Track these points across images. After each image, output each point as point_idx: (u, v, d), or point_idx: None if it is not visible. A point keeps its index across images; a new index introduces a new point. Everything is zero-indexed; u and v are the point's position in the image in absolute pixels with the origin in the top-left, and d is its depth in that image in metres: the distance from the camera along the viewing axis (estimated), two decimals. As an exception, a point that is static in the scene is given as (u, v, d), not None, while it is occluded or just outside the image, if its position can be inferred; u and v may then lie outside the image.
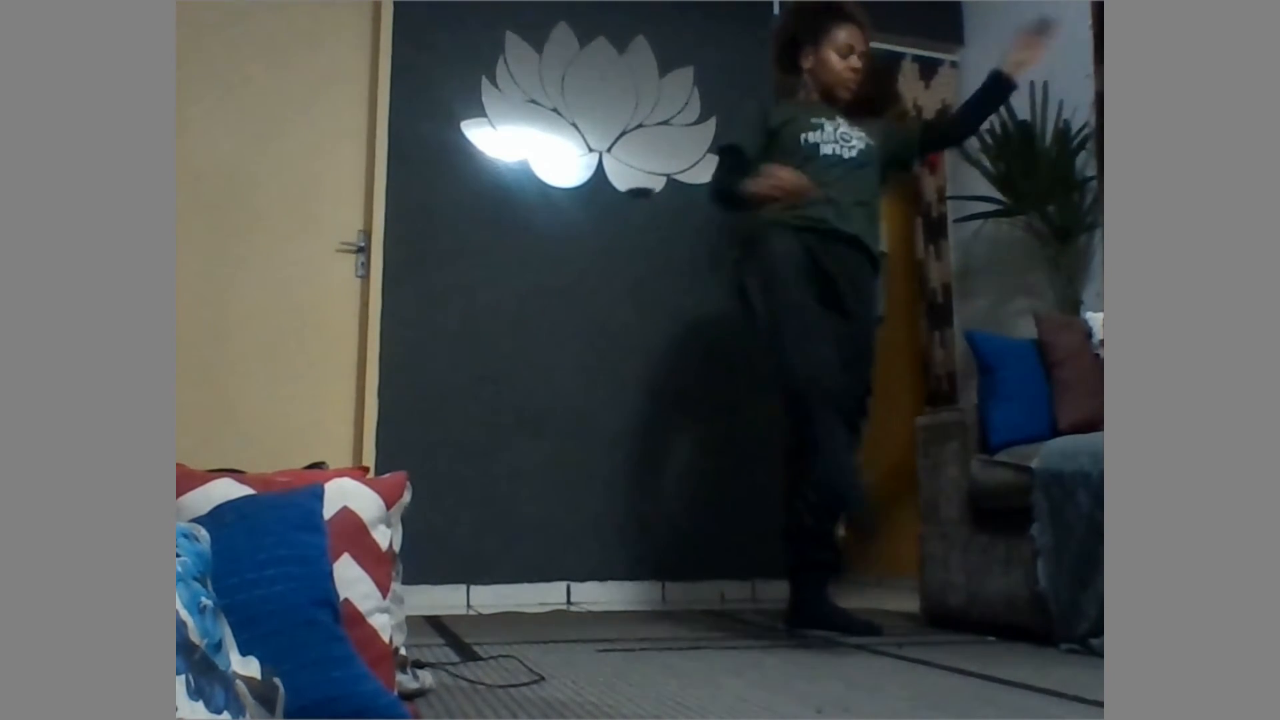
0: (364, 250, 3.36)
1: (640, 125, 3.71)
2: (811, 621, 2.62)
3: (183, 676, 0.84)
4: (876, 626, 2.56)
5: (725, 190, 2.75)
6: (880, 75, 4.04)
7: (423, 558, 2.92)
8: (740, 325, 2.81)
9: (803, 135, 2.79)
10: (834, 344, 2.56)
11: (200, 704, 0.85)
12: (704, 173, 3.67)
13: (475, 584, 3.25)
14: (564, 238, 3.55)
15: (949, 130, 3.13)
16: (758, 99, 3.01)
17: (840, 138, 2.81)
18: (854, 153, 2.80)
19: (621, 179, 3.66)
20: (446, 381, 3.35)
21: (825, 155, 2.76)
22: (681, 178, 3.70)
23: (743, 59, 3.81)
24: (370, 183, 3.39)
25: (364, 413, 3.25)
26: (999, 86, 2.89)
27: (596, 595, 3.36)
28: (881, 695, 1.69)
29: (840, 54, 2.87)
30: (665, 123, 3.73)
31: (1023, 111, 3.52)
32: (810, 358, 2.49)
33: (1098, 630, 2.17)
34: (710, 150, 3.70)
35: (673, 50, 3.77)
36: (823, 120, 2.83)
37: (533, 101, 3.60)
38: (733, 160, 2.82)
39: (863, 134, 2.85)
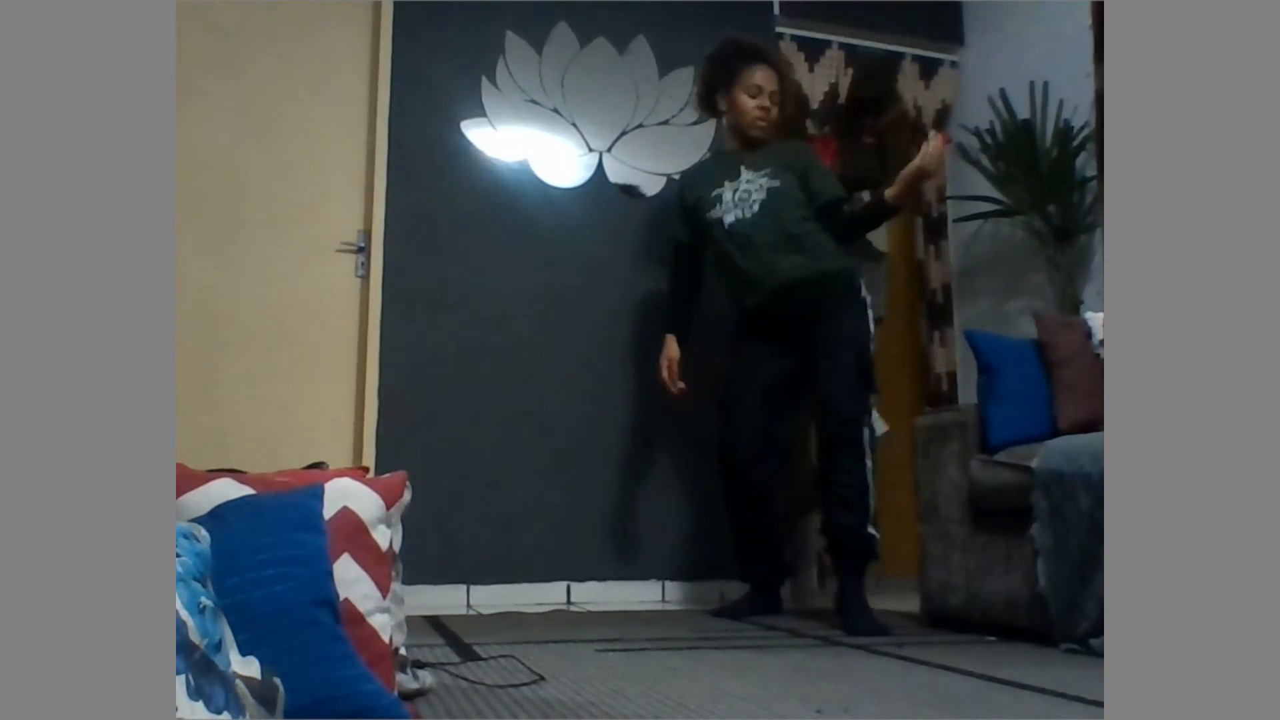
0: (364, 250, 3.36)
1: (640, 125, 3.70)
2: (866, 624, 2.58)
3: (183, 676, 0.84)
4: (884, 627, 2.57)
5: (666, 312, 3.24)
6: (880, 75, 4.05)
7: (423, 558, 2.92)
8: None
9: (707, 214, 2.99)
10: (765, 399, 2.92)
11: (200, 704, 0.85)
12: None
13: (475, 584, 3.25)
14: (564, 238, 3.54)
15: (833, 223, 2.92)
16: (677, 182, 3.36)
17: (740, 199, 2.92)
18: (755, 206, 2.89)
19: (622, 179, 3.66)
20: (446, 381, 3.35)
21: (728, 226, 2.92)
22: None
23: (743, 59, 3.80)
24: (370, 183, 3.39)
25: (364, 413, 3.24)
26: (882, 210, 2.91)
27: (596, 595, 3.35)
28: (881, 695, 1.69)
29: (750, 94, 3.01)
30: (665, 123, 3.73)
31: (1023, 111, 3.52)
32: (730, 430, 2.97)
33: (1098, 630, 2.17)
34: (710, 150, 3.70)
35: (673, 50, 3.76)
36: (724, 183, 2.97)
37: (533, 101, 3.60)
38: (676, 255, 3.19)
39: (767, 174, 2.92)
